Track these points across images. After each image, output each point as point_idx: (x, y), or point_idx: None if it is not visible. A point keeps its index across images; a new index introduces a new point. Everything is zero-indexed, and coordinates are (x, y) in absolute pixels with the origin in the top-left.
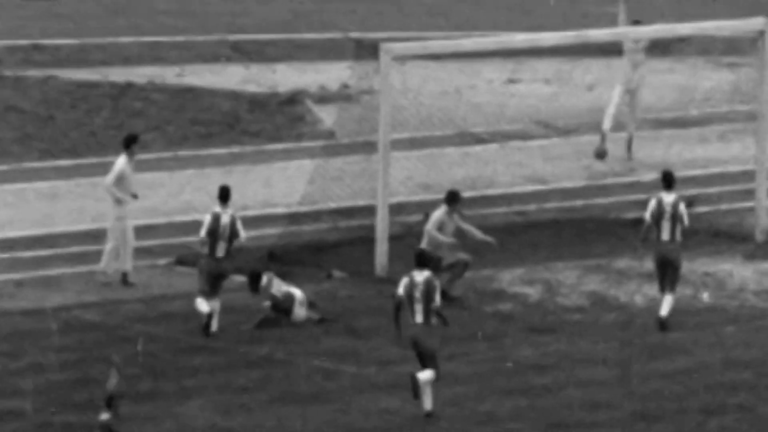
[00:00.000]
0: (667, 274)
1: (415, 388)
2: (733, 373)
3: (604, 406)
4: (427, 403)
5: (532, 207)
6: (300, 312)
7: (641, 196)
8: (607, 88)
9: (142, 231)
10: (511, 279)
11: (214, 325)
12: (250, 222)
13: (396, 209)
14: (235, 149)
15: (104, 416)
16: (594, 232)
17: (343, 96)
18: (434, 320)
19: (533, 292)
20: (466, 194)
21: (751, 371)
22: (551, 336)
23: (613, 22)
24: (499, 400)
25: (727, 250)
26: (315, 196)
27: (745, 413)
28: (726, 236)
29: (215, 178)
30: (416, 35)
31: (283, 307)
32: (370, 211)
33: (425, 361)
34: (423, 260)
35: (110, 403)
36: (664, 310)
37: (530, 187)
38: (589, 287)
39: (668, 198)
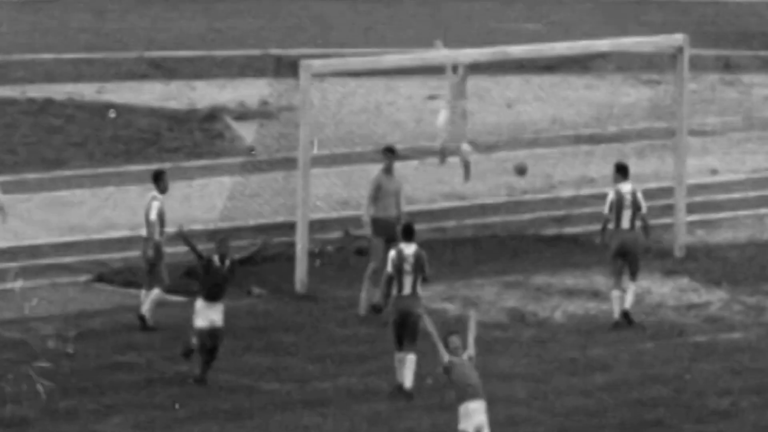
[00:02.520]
0: (628, 263)
1: (406, 394)
2: (652, 389)
3: (523, 423)
4: (403, 379)
5: (451, 223)
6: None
7: (560, 213)
8: (526, 105)
9: (62, 248)
10: (430, 295)
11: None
12: (169, 239)
13: (316, 226)
14: (155, 166)
15: None
16: (513, 249)
17: (262, 112)
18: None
19: (453, 308)
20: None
21: (670, 387)
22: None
23: (533, 38)
24: (420, 417)
25: (645, 266)
26: (234, 212)
27: (664, 429)
28: (645, 252)
29: (135, 194)
30: (336, 52)
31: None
32: (290, 227)
33: (408, 333)
34: (409, 233)
35: None
36: (628, 302)
37: (450, 204)
38: (508, 303)
39: (626, 188)
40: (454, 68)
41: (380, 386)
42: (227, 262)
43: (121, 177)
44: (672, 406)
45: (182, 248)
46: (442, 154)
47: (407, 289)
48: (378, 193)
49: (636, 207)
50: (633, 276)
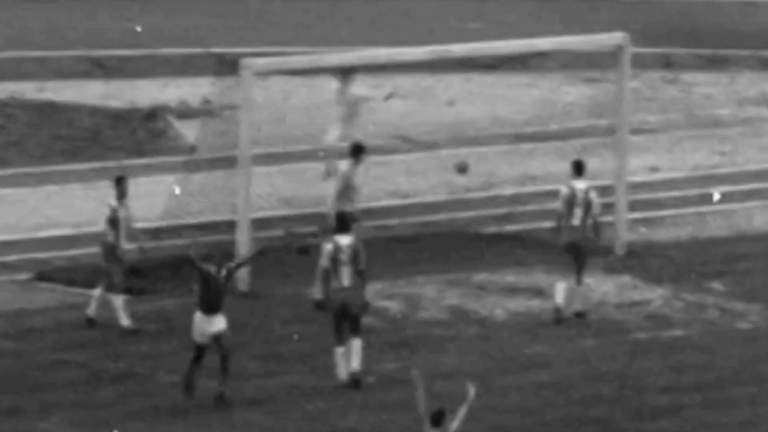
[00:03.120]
0: (576, 261)
1: (355, 379)
2: (594, 386)
3: (466, 421)
4: (343, 372)
5: (393, 221)
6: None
7: (501, 211)
8: (467, 104)
9: (2, 246)
10: (372, 293)
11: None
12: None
13: (257, 224)
14: (97, 164)
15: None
16: (454, 247)
17: (204, 111)
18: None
19: (394, 306)
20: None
21: (611, 384)
22: (413, 350)
23: (475, 37)
24: (362, 415)
25: (587, 264)
26: (176, 211)
27: (605, 426)
28: (594, 252)
29: (77, 193)
30: (278, 50)
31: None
32: (231, 226)
33: (350, 325)
34: (344, 224)
35: None
36: (578, 303)
37: (391, 202)
38: (449, 301)
39: (579, 185)
40: (342, 82)
41: (323, 384)
42: (223, 271)
43: (62, 176)
44: (613, 403)
45: (129, 246)
46: (328, 172)
47: (346, 281)
48: (346, 189)
49: (588, 205)
50: (578, 274)
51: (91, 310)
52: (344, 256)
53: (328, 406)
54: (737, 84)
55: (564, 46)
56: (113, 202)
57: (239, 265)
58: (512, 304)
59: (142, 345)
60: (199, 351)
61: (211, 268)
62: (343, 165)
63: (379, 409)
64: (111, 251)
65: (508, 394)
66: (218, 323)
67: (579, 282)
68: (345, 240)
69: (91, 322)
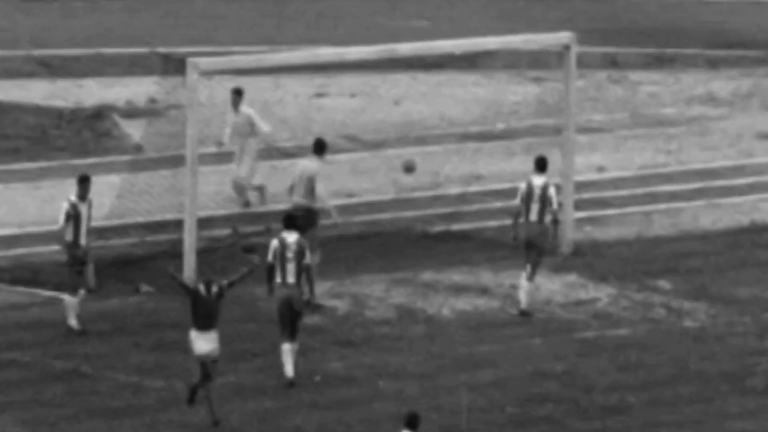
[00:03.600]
0: (530, 256)
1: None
2: (540, 385)
3: None
4: (290, 370)
5: (339, 220)
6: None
7: (448, 210)
8: (413, 103)
9: None
10: (319, 292)
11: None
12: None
13: (204, 223)
14: (42, 164)
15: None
16: (401, 246)
17: (150, 110)
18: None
19: (341, 305)
20: (274, 208)
21: (559, 383)
22: (359, 349)
23: (421, 36)
24: (308, 414)
25: (541, 261)
26: (122, 210)
27: (553, 425)
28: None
29: (22, 192)
30: (224, 50)
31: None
32: (177, 225)
33: (291, 322)
34: (291, 222)
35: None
36: (523, 302)
37: (338, 201)
38: (396, 300)
39: (538, 181)
40: (236, 104)
41: (269, 383)
42: (214, 289)
43: (7, 175)
44: (560, 401)
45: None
46: (240, 191)
47: (291, 278)
48: (308, 186)
49: (545, 201)
50: (531, 274)
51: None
52: (290, 253)
53: (274, 405)
54: (683, 83)
55: (510, 46)
56: (72, 198)
57: (232, 283)
58: (459, 303)
59: (90, 344)
60: (205, 368)
61: (200, 287)
62: (306, 162)
63: (325, 408)
64: (71, 251)
65: (455, 393)
66: (211, 342)
67: (530, 278)
68: (291, 237)
69: (81, 332)
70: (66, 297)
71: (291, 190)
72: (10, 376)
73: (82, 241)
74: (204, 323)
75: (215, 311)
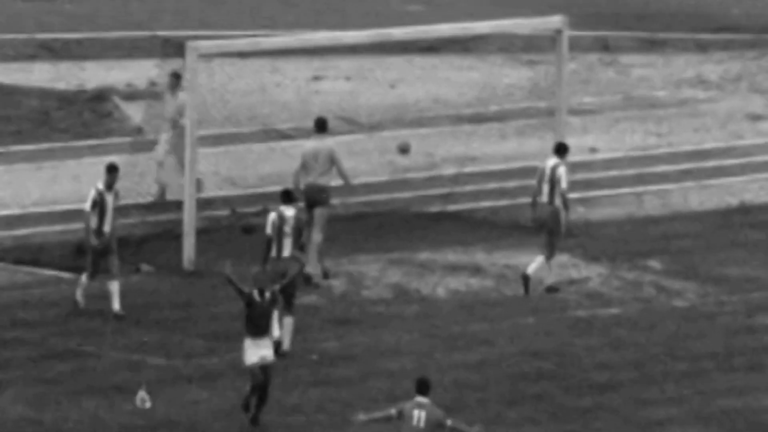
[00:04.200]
0: (543, 236)
1: (282, 354)
2: (533, 363)
3: (406, 397)
4: (287, 341)
5: (336, 201)
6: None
7: (442, 191)
8: (408, 86)
9: None
10: (316, 271)
11: (116, 305)
12: (60, 217)
13: (203, 204)
14: (45, 145)
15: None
16: (396, 226)
17: (150, 93)
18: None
19: (338, 285)
20: (272, 189)
21: (550, 361)
22: (355, 328)
23: (415, 20)
24: (306, 392)
25: (526, 243)
26: (124, 191)
27: (545, 402)
28: (525, 229)
29: (25, 174)
30: (223, 33)
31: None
32: (177, 205)
33: (286, 295)
34: (290, 197)
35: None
36: (530, 268)
37: (334, 182)
38: (392, 280)
39: (549, 162)
40: (173, 88)
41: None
42: (267, 295)
43: (9, 157)
44: (552, 379)
45: (75, 225)
46: (162, 188)
47: (287, 251)
48: (307, 164)
49: (554, 182)
50: (547, 250)
51: (79, 296)
52: (288, 228)
53: (273, 383)
54: (673, 66)
55: (503, 29)
56: (100, 186)
57: (284, 287)
58: (453, 283)
59: (91, 323)
60: (255, 377)
61: (254, 293)
62: (315, 143)
63: (323, 386)
64: (92, 236)
65: (449, 370)
66: (266, 348)
67: (547, 257)
68: (289, 211)
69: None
70: (83, 277)
71: (302, 170)
72: (13, 355)
73: (106, 228)
74: (258, 330)
75: (268, 318)
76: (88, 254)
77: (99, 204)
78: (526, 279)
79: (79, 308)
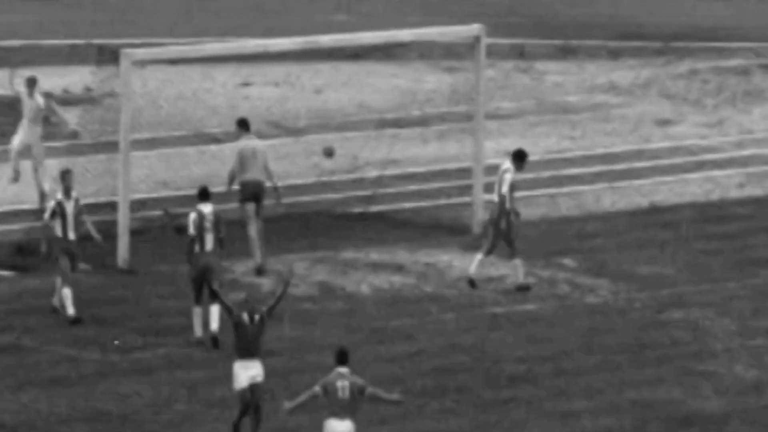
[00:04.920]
0: (490, 232)
1: (214, 339)
2: (453, 357)
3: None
4: (199, 331)
5: (264, 202)
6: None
7: (366, 192)
8: (334, 91)
9: None
10: (245, 270)
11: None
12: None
13: (136, 205)
14: None
15: None
16: (322, 226)
17: (86, 99)
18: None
19: (266, 282)
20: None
21: (469, 355)
22: (283, 323)
23: (341, 29)
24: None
25: (447, 242)
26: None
27: (464, 394)
28: (446, 229)
29: None
30: (156, 41)
31: None
32: (112, 207)
33: (210, 289)
34: (206, 195)
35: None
36: (471, 268)
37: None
38: (317, 277)
39: (503, 166)
40: (30, 92)
41: (197, 356)
42: (256, 318)
43: None
44: (472, 372)
45: (13, 225)
46: (16, 172)
47: (209, 246)
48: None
49: (500, 184)
50: (509, 249)
51: (57, 301)
52: (208, 224)
53: (203, 376)
54: (586, 73)
55: (425, 37)
56: (59, 196)
57: (271, 309)
58: (376, 280)
59: (30, 319)
60: (244, 398)
61: (243, 315)
62: (255, 142)
63: None
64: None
65: (373, 364)
66: (254, 369)
67: (511, 256)
68: (207, 209)
69: (76, 320)
70: (65, 290)
71: (239, 168)
72: None
73: (71, 236)
74: (247, 352)
75: (258, 340)
76: (60, 261)
77: (59, 213)
78: (471, 282)
79: (73, 319)
